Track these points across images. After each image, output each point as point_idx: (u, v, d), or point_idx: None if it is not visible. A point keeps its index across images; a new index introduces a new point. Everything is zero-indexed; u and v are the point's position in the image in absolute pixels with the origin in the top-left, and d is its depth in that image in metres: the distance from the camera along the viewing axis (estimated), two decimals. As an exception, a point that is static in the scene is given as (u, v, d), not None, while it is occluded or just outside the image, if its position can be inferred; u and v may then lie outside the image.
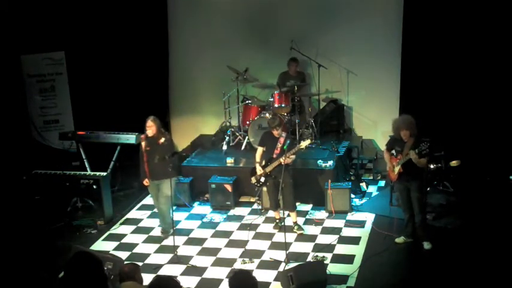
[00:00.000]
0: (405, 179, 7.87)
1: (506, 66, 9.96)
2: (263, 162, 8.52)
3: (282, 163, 8.02)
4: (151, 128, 8.23)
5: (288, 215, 8.58)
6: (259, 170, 8.53)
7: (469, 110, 10.18)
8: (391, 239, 8.21)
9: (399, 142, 7.87)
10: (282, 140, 8.41)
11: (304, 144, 8.30)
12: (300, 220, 8.87)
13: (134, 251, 8.34)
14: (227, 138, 10.65)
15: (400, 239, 8.17)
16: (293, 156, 8.32)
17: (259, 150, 8.63)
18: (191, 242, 8.53)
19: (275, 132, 8.41)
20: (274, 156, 8.40)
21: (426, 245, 7.96)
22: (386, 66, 10.93)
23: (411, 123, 7.74)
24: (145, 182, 8.49)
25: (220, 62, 11.13)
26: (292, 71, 10.79)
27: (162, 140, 8.24)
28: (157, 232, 8.79)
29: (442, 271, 7.39)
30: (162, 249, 8.32)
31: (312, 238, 8.43)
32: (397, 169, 7.84)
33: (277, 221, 8.77)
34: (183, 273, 7.64)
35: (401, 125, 7.76)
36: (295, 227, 8.61)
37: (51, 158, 10.87)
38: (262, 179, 8.56)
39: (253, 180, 8.68)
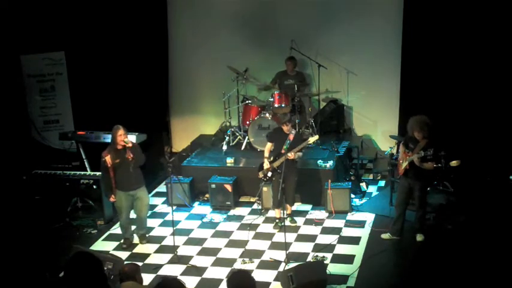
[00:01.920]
0: (410, 176, 7.95)
1: (506, 66, 9.95)
2: (271, 158, 8.60)
3: (290, 157, 8.20)
4: (125, 135, 7.94)
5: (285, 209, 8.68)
6: (266, 165, 8.59)
7: (469, 109, 10.17)
8: (391, 239, 8.23)
9: (414, 140, 7.91)
10: (291, 136, 8.51)
11: (312, 139, 8.52)
12: (300, 220, 8.92)
13: (134, 251, 8.33)
14: (227, 138, 10.65)
15: (385, 235, 8.25)
16: (299, 153, 8.49)
17: (268, 145, 8.72)
18: (191, 242, 8.52)
19: (285, 128, 8.49)
20: (283, 151, 8.47)
21: (419, 237, 8.12)
22: (386, 66, 10.93)
23: (424, 126, 7.73)
24: (112, 198, 8.16)
25: (220, 62, 11.14)
26: (289, 69, 10.79)
27: (130, 144, 7.94)
28: (157, 232, 8.79)
29: (442, 271, 7.39)
30: (162, 249, 8.31)
31: (312, 238, 8.43)
32: (404, 165, 7.93)
33: (277, 220, 8.78)
34: (183, 273, 7.63)
35: (413, 126, 7.82)
36: (289, 218, 8.79)
37: (51, 158, 10.87)
38: (270, 174, 8.61)
39: (261, 174, 8.73)
